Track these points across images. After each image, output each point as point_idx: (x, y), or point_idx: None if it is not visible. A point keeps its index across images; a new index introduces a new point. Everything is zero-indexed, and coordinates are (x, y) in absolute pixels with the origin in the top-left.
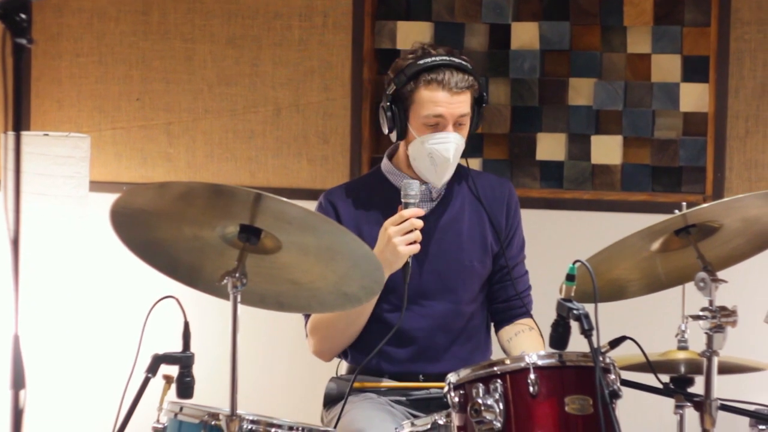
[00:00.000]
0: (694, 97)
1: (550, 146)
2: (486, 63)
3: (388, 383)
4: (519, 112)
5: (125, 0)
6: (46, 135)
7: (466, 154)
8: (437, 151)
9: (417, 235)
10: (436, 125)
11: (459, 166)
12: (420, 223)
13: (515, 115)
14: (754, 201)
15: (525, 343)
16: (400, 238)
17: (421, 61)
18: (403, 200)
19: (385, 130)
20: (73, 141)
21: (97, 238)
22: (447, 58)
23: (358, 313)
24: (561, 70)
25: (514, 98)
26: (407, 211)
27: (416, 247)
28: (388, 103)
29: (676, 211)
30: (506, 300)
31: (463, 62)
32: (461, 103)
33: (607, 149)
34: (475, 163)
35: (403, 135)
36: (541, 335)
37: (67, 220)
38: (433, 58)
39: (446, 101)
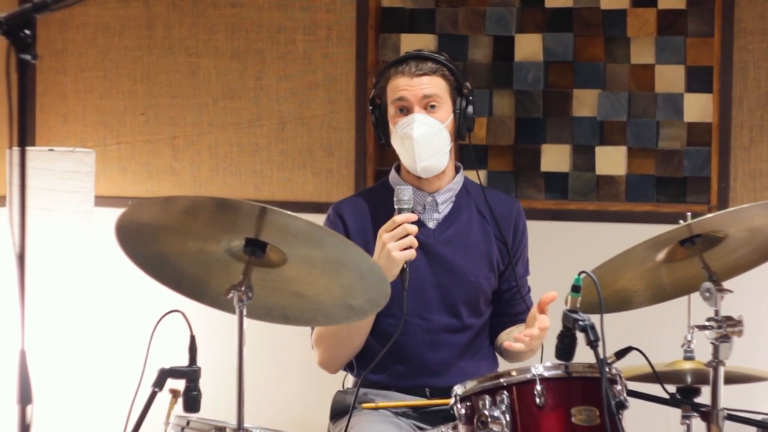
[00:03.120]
0: (698, 108)
1: (555, 157)
2: (490, 75)
3: (395, 402)
4: (523, 124)
5: (129, 15)
6: (51, 150)
7: (472, 166)
8: (405, 133)
9: (411, 240)
10: (404, 110)
11: (468, 182)
12: (414, 228)
13: (519, 127)
14: (759, 211)
15: (516, 330)
16: (394, 243)
17: (391, 61)
18: (396, 206)
19: (378, 137)
20: (78, 156)
21: (102, 252)
22: (415, 51)
23: (359, 323)
24: (565, 82)
25: (518, 110)
26: (399, 217)
27: (411, 253)
28: (371, 108)
29: (681, 221)
30: (515, 315)
31: (432, 54)
32: (424, 85)
33: (611, 160)
34: (480, 175)
35: (387, 136)
36: None
37: (72, 235)
38: (401, 56)
39: (407, 84)
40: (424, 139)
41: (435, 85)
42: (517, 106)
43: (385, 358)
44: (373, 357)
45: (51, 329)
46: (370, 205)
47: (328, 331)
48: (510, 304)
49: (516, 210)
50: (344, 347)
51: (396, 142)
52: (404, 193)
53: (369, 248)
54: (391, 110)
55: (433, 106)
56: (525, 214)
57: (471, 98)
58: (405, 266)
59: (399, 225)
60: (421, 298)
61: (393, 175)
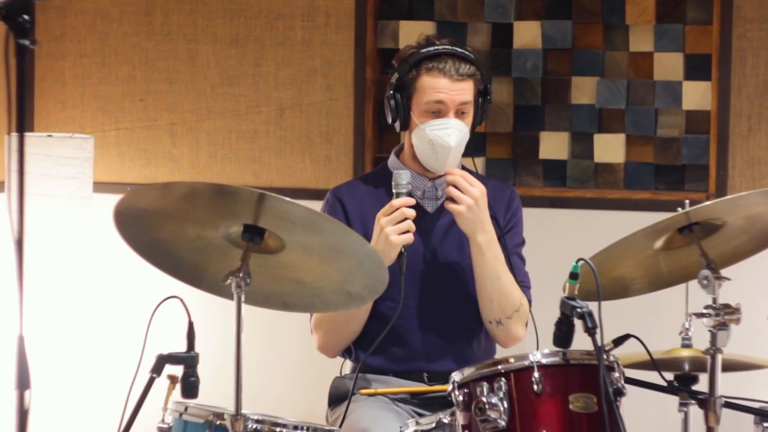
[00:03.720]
0: (697, 95)
1: (553, 145)
2: (488, 62)
3: (393, 388)
4: (522, 111)
5: (128, 1)
6: (50, 136)
7: (470, 153)
8: (438, 137)
9: (409, 224)
10: (438, 112)
11: (465, 169)
12: (411, 212)
13: (518, 114)
14: (757, 198)
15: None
16: (392, 227)
17: (424, 50)
18: (393, 190)
19: (389, 120)
20: (76, 142)
21: (100, 238)
22: (449, 47)
23: (358, 307)
24: (563, 69)
25: (516, 97)
26: (397, 201)
27: (409, 237)
28: (392, 92)
29: (679, 209)
30: None
31: (466, 52)
32: (462, 91)
33: (609, 148)
34: (478, 163)
35: (405, 124)
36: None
37: (70, 221)
38: (436, 47)
39: (447, 88)
40: (458, 146)
41: (469, 92)
42: (515, 93)
43: (382, 341)
44: (371, 340)
45: (49, 315)
46: (369, 189)
47: (327, 316)
48: None
49: (510, 192)
50: (343, 331)
51: (420, 139)
52: (402, 177)
53: (368, 232)
54: (423, 107)
55: (464, 113)
56: (522, 201)
57: (489, 97)
58: (403, 250)
59: (397, 209)
60: (418, 281)
61: (393, 159)
